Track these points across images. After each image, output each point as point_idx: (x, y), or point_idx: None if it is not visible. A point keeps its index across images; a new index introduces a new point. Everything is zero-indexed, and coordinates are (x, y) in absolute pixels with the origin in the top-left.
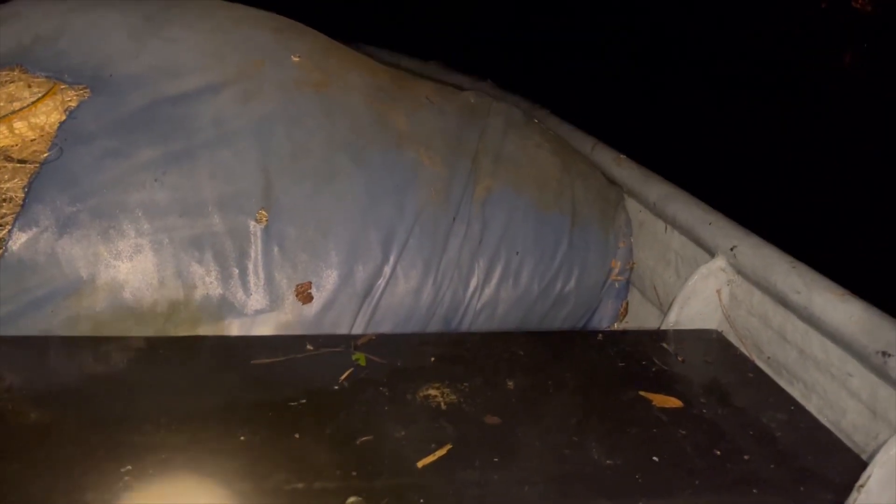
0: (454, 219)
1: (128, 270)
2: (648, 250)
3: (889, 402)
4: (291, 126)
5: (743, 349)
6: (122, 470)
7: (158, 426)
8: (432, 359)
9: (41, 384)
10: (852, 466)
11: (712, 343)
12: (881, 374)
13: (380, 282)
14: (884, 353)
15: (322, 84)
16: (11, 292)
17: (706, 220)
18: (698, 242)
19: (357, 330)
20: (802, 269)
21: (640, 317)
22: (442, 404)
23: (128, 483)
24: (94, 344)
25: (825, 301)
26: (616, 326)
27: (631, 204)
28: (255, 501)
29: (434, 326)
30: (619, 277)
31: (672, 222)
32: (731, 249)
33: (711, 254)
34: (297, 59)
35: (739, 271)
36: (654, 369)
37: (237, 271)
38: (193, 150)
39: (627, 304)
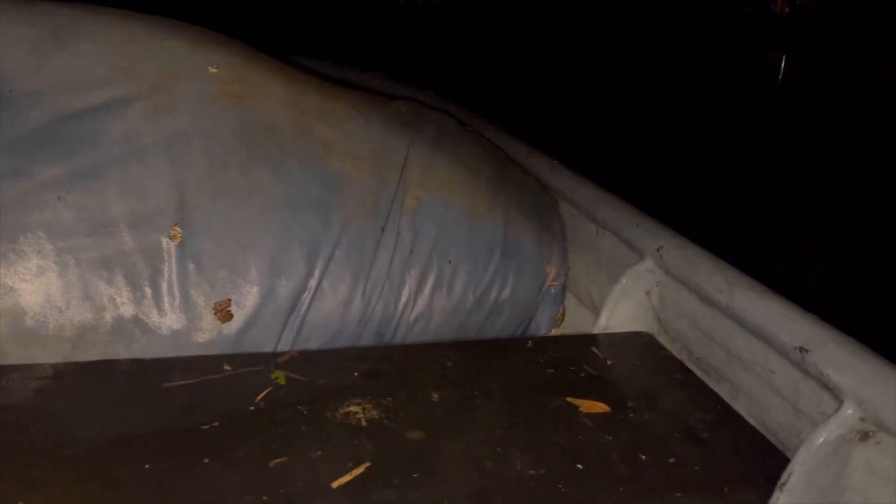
0: (383, 230)
1: (30, 295)
2: (582, 255)
3: (810, 398)
4: (207, 140)
5: (673, 351)
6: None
7: (56, 459)
8: (356, 374)
9: None
10: (777, 465)
11: (643, 346)
12: (801, 369)
13: (305, 296)
14: (801, 349)
15: (241, 96)
16: None
17: (633, 221)
18: (627, 244)
19: (283, 347)
20: (725, 267)
21: (577, 322)
22: (363, 421)
23: None
24: None
25: (746, 299)
26: (554, 332)
27: (565, 209)
28: None
29: (366, 340)
30: (554, 283)
31: (603, 225)
32: (658, 250)
33: (640, 255)
34: (214, 70)
35: (667, 272)
36: (583, 374)
37: (150, 291)
38: (101, 166)
39: (564, 309)
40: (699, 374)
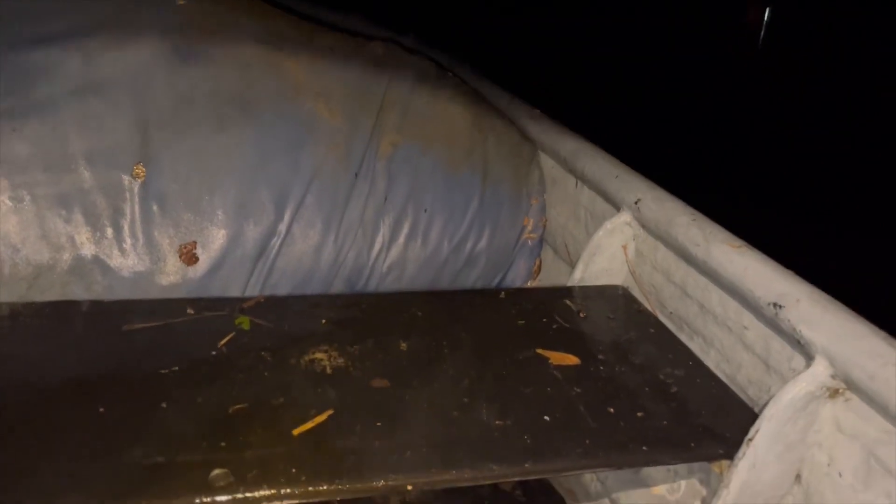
0: (356, 175)
1: None
2: (560, 207)
3: (781, 354)
4: (173, 75)
5: (647, 305)
6: None
7: (7, 399)
8: (323, 321)
9: None
10: (745, 421)
11: (617, 299)
12: (773, 325)
13: (274, 241)
14: (775, 305)
15: (210, 30)
16: None
17: (613, 173)
18: (605, 197)
19: (251, 293)
20: (703, 221)
21: (553, 275)
22: (328, 368)
23: None
24: None
25: (722, 253)
26: (529, 285)
27: (544, 160)
28: (109, 479)
29: (337, 288)
30: (531, 235)
31: (581, 177)
32: (636, 203)
33: (617, 208)
34: (182, 2)
35: (644, 225)
36: (554, 327)
37: (111, 231)
38: (57, 99)
39: (540, 262)
40: (672, 328)
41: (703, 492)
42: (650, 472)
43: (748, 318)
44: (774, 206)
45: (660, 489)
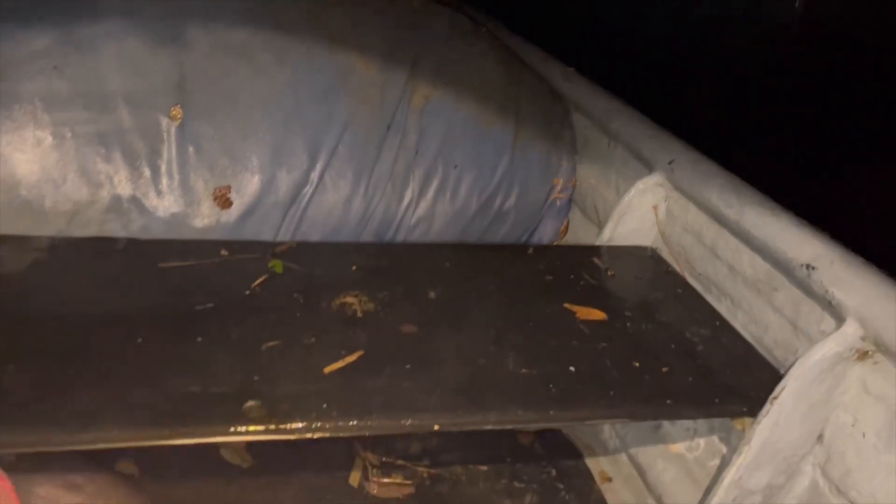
0: (388, 128)
1: (26, 165)
2: (591, 167)
3: (810, 316)
4: (210, 19)
5: (675, 266)
6: (5, 369)
7: (49, 329)
8: (354, 268)
9: None
10: (770, 380)
11: (645, 259)
12: (804, 287)
13: (306, 189)
14: (808, 266)
15: None
16: None
17: (647, 134)
18: (638, 157)
19: (282, 240)
20: (737, 183)
21: (580, 236)
22: (358, 312)
23: (10, 381)
24: None
25: (756, 214)
26: (556, 245)
27: (577, 119)
28: (147, 406)
29: (366, 240)
30: (560, 195)
31: (615, 137)
32: (669, 164)
33: (650, 169)
34: None
35: (676, 186)
36: (582, 283)
37: (149, 171)
38: (97, 38)
39: (568, 223)
40: (700, 289)
41: (723, 450)
42: (669, 430)
43: (778, 280)
44: (809, 169)
45: (678, 447)
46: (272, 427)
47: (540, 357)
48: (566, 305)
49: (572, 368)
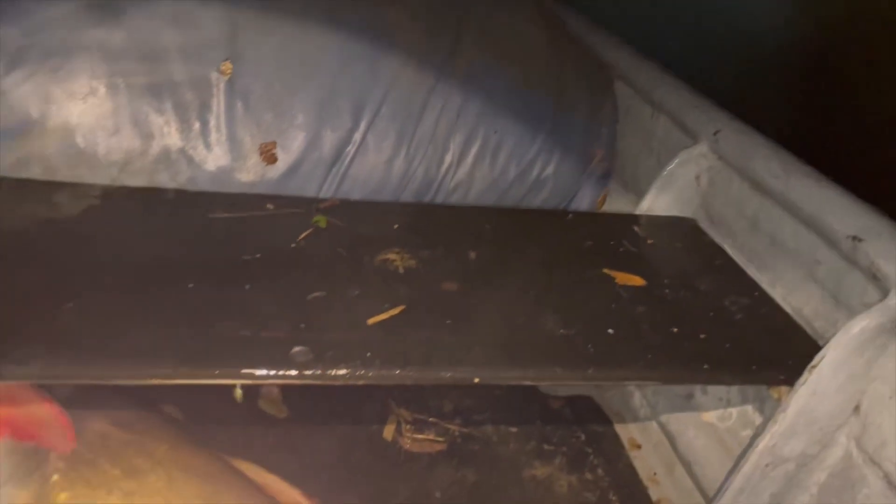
0: (431, 90)
1: (80, 114)
2: (632, 138)
3: (853, 289)
4: None
5: (715, 237)
6: (64, 307)
7: (103, 271)
8: (396, 226)
9: None
10: (808, 350)
11: (685, 230)
12: (849, 259)
13: (349, 149)
14: (854, 238)
15: None
16: None
17: (692, 104)
18: (682, 128)
19: (324, 197)
20: (783, 154)
21: (618, 207)
22: (400, 269)
23: (67, 318)
24: (45, 188)
25: (802, 186)
26: None
27: (620, 89)
28: (199, 345)
29: (405, 201)
30: (600, 165)
31: (658, 107)
32: (715, 134)
33: (694, 139)
34: None
35: (720, 157)
36: (621, 250)
37: (198, 125)
38: None
39: (606, 194)
40: (740, 261)
41: (756, 420)
42: (701, 399)
43: (823, 252)
44: (856, 139)
45: (710, 416)
46: (319, 372)
47: (578, 318)
48: (605, 270)
49: (610, 331)
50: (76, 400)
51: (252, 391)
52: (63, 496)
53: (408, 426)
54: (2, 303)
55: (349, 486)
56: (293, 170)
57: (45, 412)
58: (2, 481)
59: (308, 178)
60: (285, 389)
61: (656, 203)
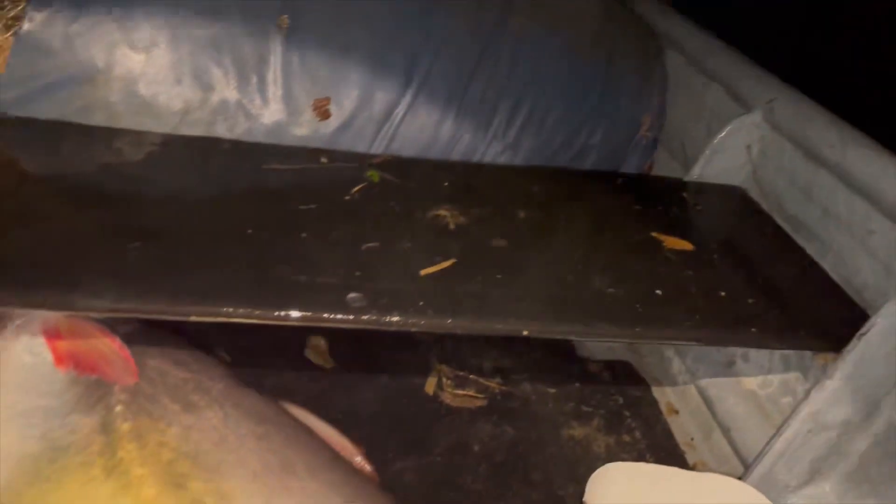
0: (482, 54)
1: (143, 63)
2: (682, 106)
3: None
4: None
5: (765, 206)
6: (130, 246)
7: (168, 215)
8: (445, 184)
9: (54, 168)
10: (857, 319)
11: (734, 198)
12: None
13: (399, 109)
14: None
15: None
16: (26, 74)
17: (745, 73)
18: (735, 97)
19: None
20: (841, 124)
21: (664, 175)
22: (450, 225)
23: (134, 257)
24: (108, 135)
25: (859, 155)
26: None
27: (670, 57)
28: (259, 288)
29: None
30: (647, 134)
31: (711, 76)
32: (769, 103)
33: (747, 108)
34: None
35: (774, 126)
36: (670, 215)
37: (255, 78)
38: None
39: (653, 162)
40: (789, 231)
41: (797, 389)
42: (742, 367)
43: (877, 222)
44: None
45: (750, 383)
46: (373, 318)
47: (626, 279)
48: (653, 234)
49: (658, 292)
50: (135, 338)
51: (300, 341)
52: (126, 426)
53: (448, 381)
54: (72, 241)
55: (391, 435)
56: (345, 126)
57: (107, 347)
58: (69, 410)
59: (359, 134)
60: (332, 341)
61: (705, 171)
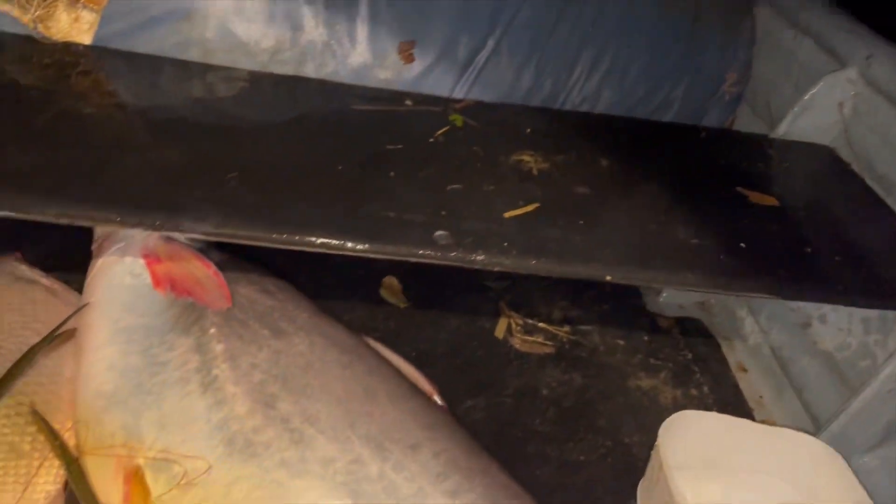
0: (567, 1)
1: (239, 1)
2: (769, 62)
3: None
4: None
5: (854, 166)
6: (227, 176)
7: (261, 149)
8: (528, 130)
9: (152, 101)
10: None
11: (823, 157)
12: None
13: (482, 54)
14: None
15: None
16: (129, 8)
17: (841, 26)
18: (829, 52)
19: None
20: None
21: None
22: (534, 170)
23: (233, 186)
24: (202, 70)
25: None
26: None
27: (760, 10)
28: (349, 221)
29: None
30: (731, 89)
31: (803, 30)
32: (867, 59)
33: (842, 64)
34: None
35: (869, 82)
36: (755, 170)
37: (344, 20)
38: None
39: (734, 119)
40: (880, 192)
41: (877, 353)
42: (819, 328)
43: None
44: None
45: (827, 345)
46: (459, 255)
47: (710, 231)
48: (738, 189)
49: (742, 245)
50: (226, 267)
51: (374, 280)
52: (220, 347)
53: (518, 327)
54: (173, 169)
55: (461, 375)
56: (428, 71)
57: (203, 272)
58: (167, 329)
59: (441, 79)
60: (405, 281)
61: (792, 129)
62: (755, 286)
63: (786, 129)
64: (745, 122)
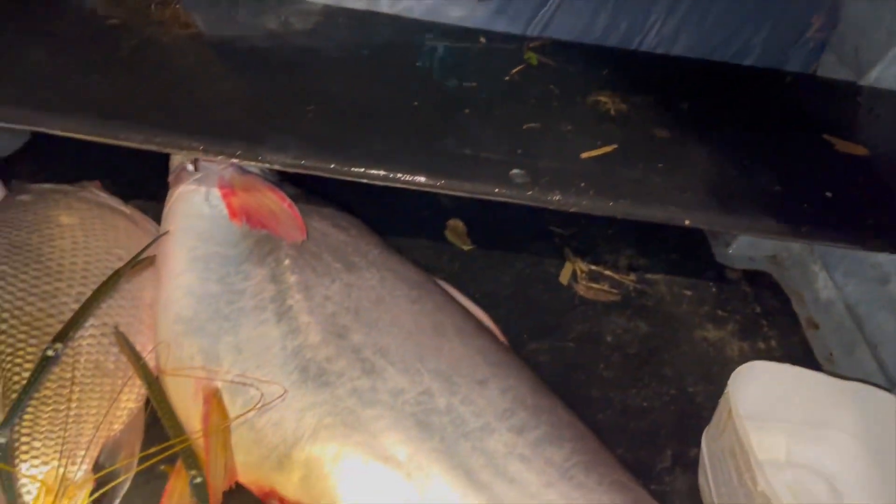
0: None
1: None
2: (859, 5)
3: None
4: None
5: None
6: (306, 108)
7: (337, 82)
8: (605, 70)
9: (228, 32)
10: None
11: None
12: None
13: None
14: None
15: None
16: None
17: None
18: None
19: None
20: None
21: None
22: (611, 111)
23: (311, 119)
24: (276, 5)
25: None
26: None
27: None
28: (426, 157)
29: None
30: (816, 35)
31: None
32: None
33: None
34: None
35: None
36: (842, 118)
37: None
38: None
39: (818, 66)
40: None
41: None
42: None
43: None
44: None
45: None
46: (535, 195)
47: (794, 178)
48: (824, 136)
49: (828, 194)
50: (300, 200)
51: (440, 222)
52: (294, 278)
53: (583, 273)
54: (251, 100)
55: (525, 318)
56: (502, 9)
57: (277, 205)
58: (243, 259)
59: (515, 18)
60: (470, 225)
61: (883, 77)
62: (841, 237)
63: (877, 77)
64: (830, 70)
